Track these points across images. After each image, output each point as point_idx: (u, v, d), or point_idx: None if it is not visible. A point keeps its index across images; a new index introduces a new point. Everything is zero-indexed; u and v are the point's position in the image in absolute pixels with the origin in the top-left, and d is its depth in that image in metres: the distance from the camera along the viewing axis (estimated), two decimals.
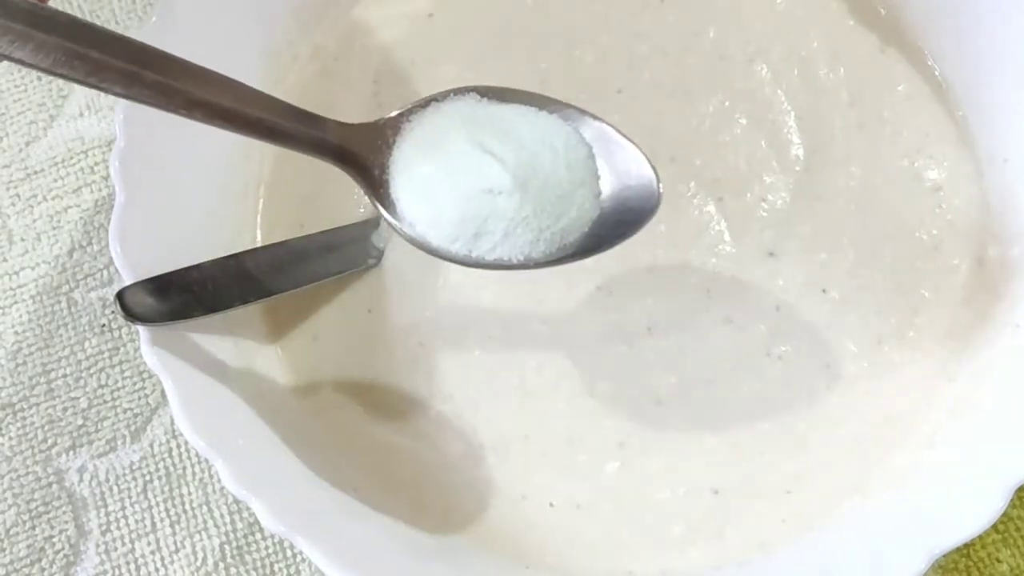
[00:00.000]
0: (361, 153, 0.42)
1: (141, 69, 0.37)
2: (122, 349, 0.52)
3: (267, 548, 0.50)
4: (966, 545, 0.45)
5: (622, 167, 0.42)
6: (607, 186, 0.42)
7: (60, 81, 0.56)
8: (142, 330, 0.43)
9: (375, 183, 0.42)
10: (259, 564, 0.50)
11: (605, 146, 0.42)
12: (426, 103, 0.42)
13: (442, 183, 0.41)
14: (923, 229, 0.49)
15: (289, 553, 0.50)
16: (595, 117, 0.43)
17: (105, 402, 0.52)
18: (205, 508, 0.50)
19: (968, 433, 0.45)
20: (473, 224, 0.40)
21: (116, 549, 0.50)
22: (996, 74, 0.48)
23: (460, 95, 0.42)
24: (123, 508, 0.51)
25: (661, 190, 0.42)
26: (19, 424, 0.51)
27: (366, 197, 0.51)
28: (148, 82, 0.37)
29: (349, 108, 0.52)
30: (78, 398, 0.52)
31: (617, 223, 0.42)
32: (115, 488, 0.51)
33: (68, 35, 0.35)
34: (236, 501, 0.50)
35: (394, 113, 0.42)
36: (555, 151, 0.41)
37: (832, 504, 0.46)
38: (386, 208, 0.42)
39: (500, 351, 0.49)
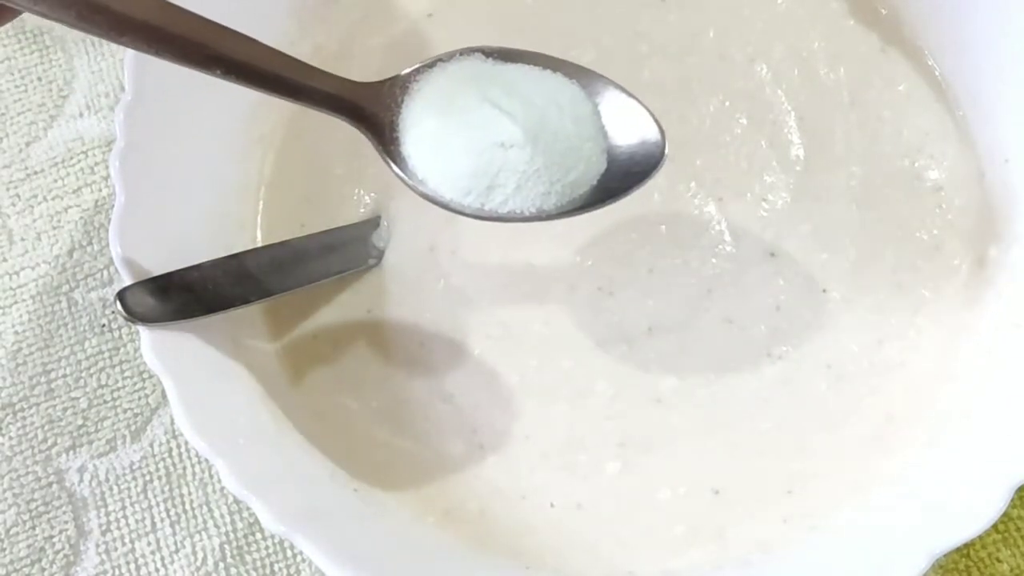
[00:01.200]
0: (372, 110, 0.42)
1: (162, 24, 0.37)
2: (122, 349, 0.52)
3: (267, 548, 0.50)
4: (966, 545, 0.45)
5: (627, 122, 0.42)
6: (613, 141, 0.42)
7: (60, 81, 0.56)
8: (142, 330, 0.43)
9: (386, 140, 0.42)
10: (259, 564, 0.50)
11: (610, 102, 0.43)
12: (432, 63, 0.43)
13: (454, 138, 0.41)
14: (923, 229, 0.49)
15: (289, 553, 0.50)
16: (599, 75, 0.43)
17: (105, 402, 0.52)
18: (205, 508, 0.50)
19: (968, 433, 0.45)
20: (486, 177, 0.41)
21: (116, 549, 0.50)
22: (996, 74, 0.48)
23: (466, 55, 0.43)
24: (123, 508, 0.51)
25: (666, 144, 0.42)
26: (19, 424, 0.52)
27: (368, 199, 0.51)
28: (168, 37, 0.37)
29: None
30: (78, 398, 0.52)
31: (624, 176, 0.42)
32: (115, 488, 0.51)
33: None
34: (236, 501, 0.50)
35: (402, 72, 0.43)
36: (561, 107, 0.42)
37: (832, 504, 0.46)
38: (397, 165, 0.42)
39: (500, 351, 0.49)
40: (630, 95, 0.43)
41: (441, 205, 0.42)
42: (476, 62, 0.43)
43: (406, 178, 0.42)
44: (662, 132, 0.42)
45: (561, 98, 0.42)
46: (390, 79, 0.43)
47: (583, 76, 0.43)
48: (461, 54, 0.43)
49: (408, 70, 0.43)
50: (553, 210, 0.42)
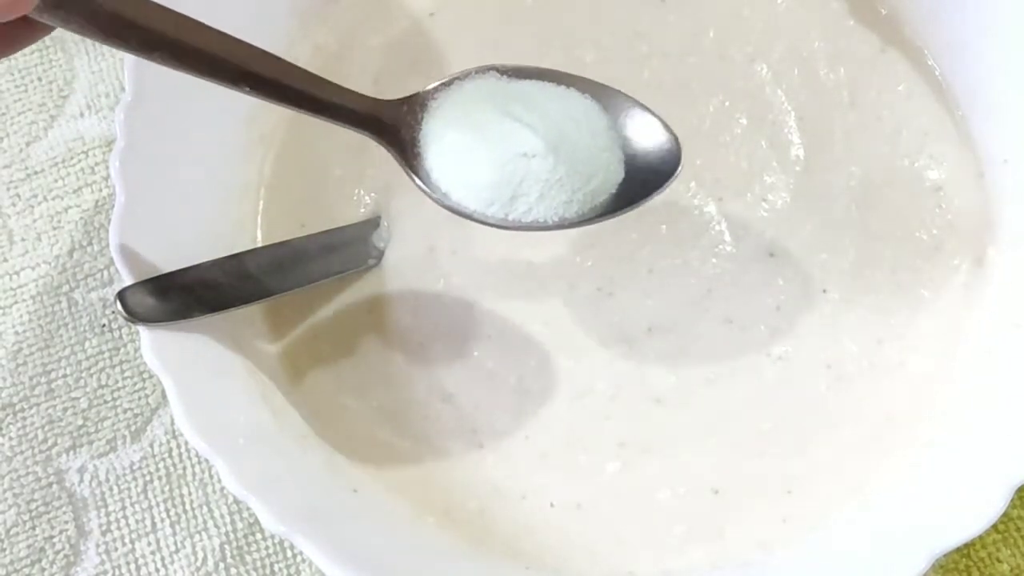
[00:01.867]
0: (395, 125, 0.43)
1: (191, 42, 0.38)
2: (122, 349, 0.52)
3: (267, 548, 0.50)
4: (966, 545, 0.44)
5: (642, 133, 0.44)
6: (630, 151, 0.43)
7: (60, 81, 0.56)
8: (142, 330, 0.43)
9: (408, 156, 0.43)
10: (259, 564, 0.50)
11: (624, 114, 0.44)
12: (449, 81, 0.44)
13: (476, 150, 0.42)
14: (923, 229, 0.49)
15: (289, 553, 0.50)
16: (612, 89, 0.44)
17: (105, 402, 0.52)
18: (205, 508, 0.50)
19: (968, 433, 0.45)
20: (509, 187, 0.42)
21: (116, 549, 0.50)
22: (996, 74, 0.48)
23: (481, 73, 0.44)
24: (123, 508, 0.51)
25: (682, 152, 0.43)
26: (19, 424, 0.52)
27: (368, 199, 0.52)
28: (197, 54, 0.38)
29: None
30: (78, 398, 0.52)
31: (642, 184, 0.43)
32: (115, 488, 0.51)
33: (119, 5, 0.37)
34: (236, 501, 0.50)
35: (420, 91, 0.44)
36: (577, 121, 0.43)
37: (832, 504, 0.46)
38: (420, 179, 0.43)
39: (500, 351, 0.49)
40: (644, 108, 0.43)
41: (465, 216, 0.43)
42: (492, 80, 0.44)
43: (430, 192, 0.43)
44: (677, 140, 0.43)
45: (576, 112, 0.43)
46: (408, 97, 0.44)
47: (596, 90, 0.44)
48: (476, 72, 0.44)
49: (425, 88, 0.44)
50: (575, 218, 0.43)
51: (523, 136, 0.42)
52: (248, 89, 0.40)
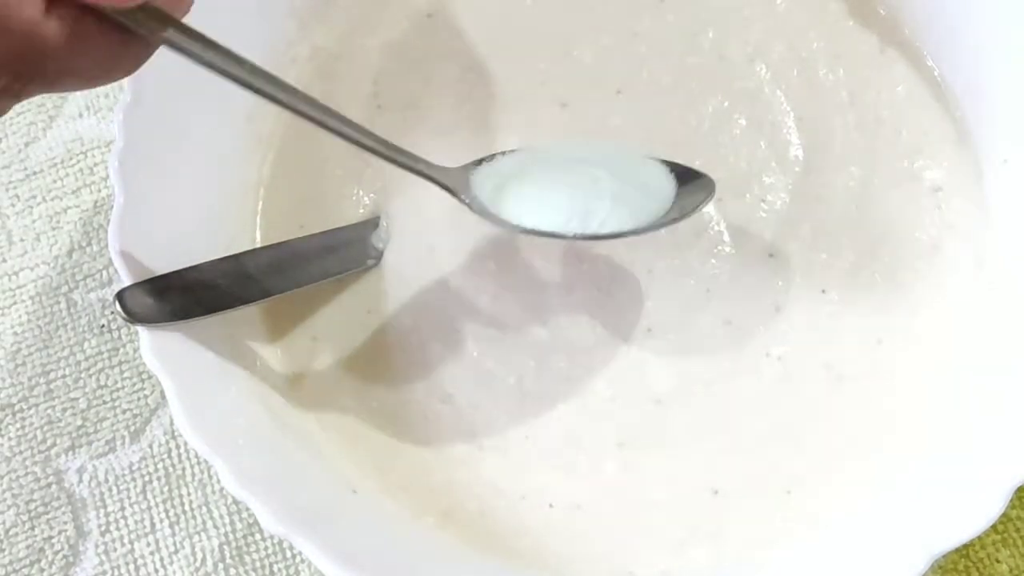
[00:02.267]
0: (457, 180, 0.46)
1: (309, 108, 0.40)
2: (121, 350, 0.52)
3: (266, 549, 0.50)
4: (965, 545, 0.44)
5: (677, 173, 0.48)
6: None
7: None
8: (142, 331, 0.43)
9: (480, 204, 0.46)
10: (258, 565, 0.50)
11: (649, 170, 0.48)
12: (489, 157, 0.47)
13: (545, 181, 0.46)
14: (923, 229, 0.49)
15: (289, 554, 0.50)
16: (637, 150, 0.48)
17: (104, 403, 0.52)
18: (204, 509, 0.50)
19: (968, 433, 0.45)
20: (582, 203, 0.45)
21: (115, 550, 0.50)
22: (996, 74, 0.48)
23: (515, 150, 0.48)
24: (122, 509, 0.51)
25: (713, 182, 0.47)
26: (18, 425, 0.52)
27: (367, 199, 0.52)
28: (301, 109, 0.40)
29: (349, 108, 0.52)
30: (77, 399, 0.52)
31: (691, 201, 0.46)
32: (114, 489, 0.51)
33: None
34: (235, 501, 0.50)
35: (464, 163, 0.47)
36: (622, 155, 0.48)
37: (832, 504, 0.46)
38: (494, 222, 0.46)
39: (499, 352, 0.49)
40: (670, 162, 0.47)
41: (546, 235, 0.45)
42: (528, 151, 0.48)
43: (508, 222, 0.45)
44: (703, 173, 0.47)
45: (618, 152, 0.48)
46: (458, 167, 0.46)
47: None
48: (510, 151, 0.47)
49: (467, 162, 0.47)
50: (646, 226, 0.46)
51: (583, 167, 0.45)
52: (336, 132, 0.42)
